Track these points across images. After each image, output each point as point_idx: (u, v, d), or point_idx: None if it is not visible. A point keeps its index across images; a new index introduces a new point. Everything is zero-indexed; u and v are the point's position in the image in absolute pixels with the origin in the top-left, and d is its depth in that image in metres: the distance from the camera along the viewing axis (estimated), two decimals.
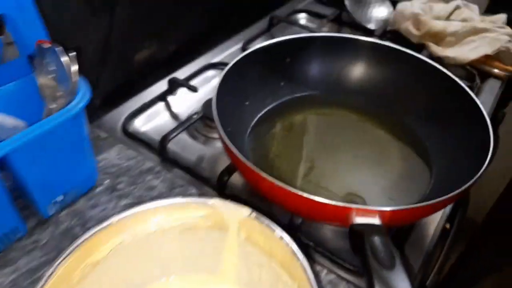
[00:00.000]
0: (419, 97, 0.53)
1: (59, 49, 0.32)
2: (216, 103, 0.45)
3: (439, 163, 0.49)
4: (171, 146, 0.54)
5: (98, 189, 0.46)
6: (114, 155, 0.50)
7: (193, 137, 0.60)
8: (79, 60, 0.52)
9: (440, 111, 0.51)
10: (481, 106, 0.45)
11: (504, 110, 0.72)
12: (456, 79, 0.49)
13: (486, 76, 0.68)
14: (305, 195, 0.34)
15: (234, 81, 0.51)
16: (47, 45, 0.32)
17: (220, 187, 0.48)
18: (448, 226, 0.50)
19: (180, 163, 0.53)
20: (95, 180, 0.47)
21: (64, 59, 0.32)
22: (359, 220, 0.34)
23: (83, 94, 0.35)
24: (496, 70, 0.67)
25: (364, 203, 0.45)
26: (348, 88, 0.58)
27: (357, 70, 0.58)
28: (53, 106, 0.35)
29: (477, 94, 0.66)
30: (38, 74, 0.34)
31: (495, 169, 0.61)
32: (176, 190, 0.48)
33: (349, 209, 0.34)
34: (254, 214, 0.32)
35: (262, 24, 0.81)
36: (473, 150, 0.43)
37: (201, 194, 0.48)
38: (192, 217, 0.34)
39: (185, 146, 0.58)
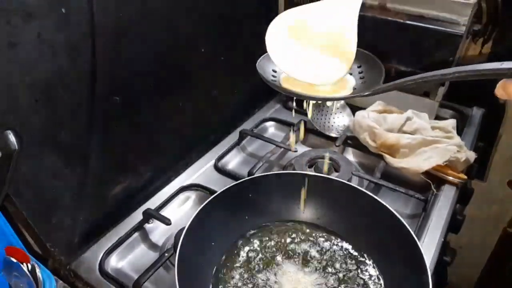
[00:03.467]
0: (368, 230, 0.57)
1: (25, 267, 0.36)
2: (178, 262, 0.49)
3: None
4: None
5: None
6: None
7: (167, 268, 0.63)
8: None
9: (386, 247, 0.54)
10: (422, 252, 0.49)
11: (464, 213, 0.76)
12: (402, 220, 0.53)
13: (442, 182, 0.73)
14: None
15: (199, 229, 0.56)
16: (14, 259, 0.36)
17: None
18: None
19: None
20: None
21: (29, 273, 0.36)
22: None
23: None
24: (450, 178, 0.72)
25: None
26: (304, 217, 0.62)
27: (312, 201, 0.62)
28: None
29: (433, 203, 0.70)
30: (7, 276, 0.38)
31: None
32: None
33: None
34: None
35: (233, 137, 0.87)
36: None
37: None
38: None
39: (159, 280, 0.61)
